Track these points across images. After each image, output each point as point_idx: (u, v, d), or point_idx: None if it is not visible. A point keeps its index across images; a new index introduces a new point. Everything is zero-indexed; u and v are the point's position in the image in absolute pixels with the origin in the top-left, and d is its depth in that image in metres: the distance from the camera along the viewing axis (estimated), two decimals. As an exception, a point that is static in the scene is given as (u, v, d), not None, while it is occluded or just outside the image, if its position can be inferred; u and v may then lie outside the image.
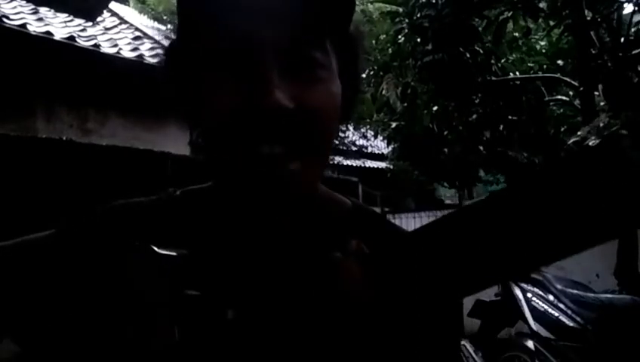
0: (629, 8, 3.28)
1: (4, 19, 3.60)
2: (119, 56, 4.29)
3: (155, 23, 8.11)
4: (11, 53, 3.67)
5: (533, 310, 2.94)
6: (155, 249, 0.41)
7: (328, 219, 0.54)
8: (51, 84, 3.97)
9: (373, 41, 4.35)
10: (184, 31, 0.50)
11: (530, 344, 2.88)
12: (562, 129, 4.34)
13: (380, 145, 8.54)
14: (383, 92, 4.14)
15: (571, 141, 2.78)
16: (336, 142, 7.87)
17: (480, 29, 3.52)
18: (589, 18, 3.10)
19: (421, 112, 4.27)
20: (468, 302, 3.77)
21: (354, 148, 8.44)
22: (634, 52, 2.98)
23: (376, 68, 4.24)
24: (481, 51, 3.60)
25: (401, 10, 3.70)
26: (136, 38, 5.26)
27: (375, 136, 7.58)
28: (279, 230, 0.51)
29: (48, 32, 3.85)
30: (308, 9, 0.43)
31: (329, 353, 0.45)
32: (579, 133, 2.76)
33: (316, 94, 0.45)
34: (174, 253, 0.42)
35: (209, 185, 0.56)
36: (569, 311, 2.84)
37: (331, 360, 0.45)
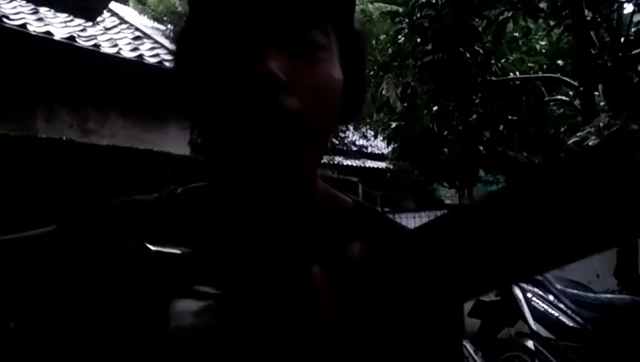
0: (629, 8, 3.29)
1: (4, 19, 3.60)
2: (119, 56, 4.29)
3: (155, 23, 8.10)
4: (11, 53, 3.67)
5: (533, 310, 2.94)
6: (151, 246, 0.41)
7: (328, 217, 0.54)
8: (51, 84, 3.97)
9: (373, 41, 4.35)
10: (192, 15, 0.50)
11: (530, 344, 2.88)
12: (562, 129, 4.34)
13: (380, 145, 8.53)
14: (383, 92, 4.14)
15: (571, 141, 2.78)
16: (336, 141, 7.87)
17: (480, 29, 3.52)
18: (589, 18, 3.10)
19: (421, 112, 4.27)
20: (468, 302, 3.77)
21: (354, 148, 8.43)
22: (634, 52, 2.98)
23: (376, 68, 4.24)
24: (481, 51, 3.60)
25: (401, 10, 3.70)
26: (136, 38, 5.26)
27: (375, 136, 7.57)
28: (279, 227, 0.51)
29: (48, 32, 3.85)
30: None
31: (328, 352, 0.45)
32: (579, 133, 2.76)
33: (314, 73, 0.45)
34: (174, 251, 0.42)
35: (210, 183, 0.56)
36: (569, 311, 2.84)
37: (329, 356, 0.45)
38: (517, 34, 3.94)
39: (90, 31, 4.61)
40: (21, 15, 3.96)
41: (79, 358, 0.47)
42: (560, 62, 4.11)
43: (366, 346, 0.45)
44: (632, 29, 3.12)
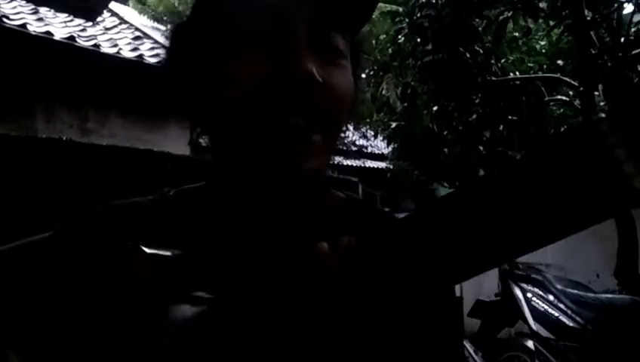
0: (629, 8, 3.29)
1: (4, 19, 3.60)
2: (119, 56, 4.29)
3: (155, 23, 8.10)
4: (11, 53, 3.67)
5: (533, 310, 2.94)
6: (146, 249, 0.41)
7: (325, 215, 0.55)
8: (51, 84, 3.97)
9: (373, 41, 4.35)
10: (204, 12, 0.50)
11: (530, 344, 2.88)
12: (562, 129, 4.33)
13: (380, 145, 8.53)
14: (383, 92, 4.14)
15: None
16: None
17: (480, 29, 3.52)
18: (589, 18, 3.10)
19: (421, 112, 4.27)
20: (468, 302, 3.77)
21: (354, 148, 8.43)
22: (634, 52, 2.98)
23: (376, 68, 4.24)
24: (481, 51, 3.60)
25: (401, 10, 3.70)
26: (136, 38, 5.25)
27: (375, 136, 7.57)
28: (277, 226, 0.51)
29: (48, 32, 3.85)
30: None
31: (327, 349, 0.45)
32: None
33: (339, 78, 0.47)
34: (168, 253, 0.42)
35: (203, 184, 0.56)
36: (569, 311, 2.84)
37: (329, 356, 0.45)
38: (517, 34, 3.94)
39: (90, 31, 4.61)
40: (21, 15, 3.96)
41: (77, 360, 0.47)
42: (560, 62, 4.10)
43: (366, 339, 0.45)
44: (632, 29, 3.12)
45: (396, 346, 0.47)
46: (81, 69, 4.02)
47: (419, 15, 3.48)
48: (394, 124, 4.60)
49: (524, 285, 3.04)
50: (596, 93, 3.27)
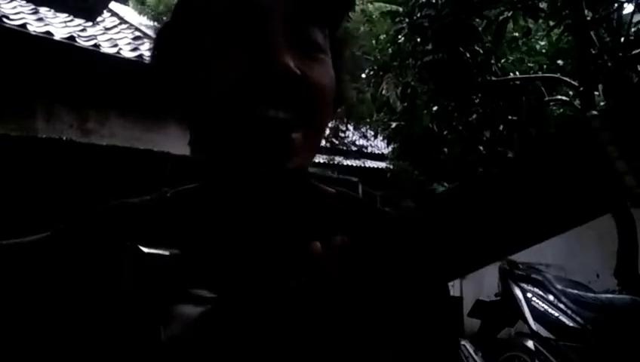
0: (629, 8, 3.28)
1: (4, 19, 3.60)
2: (119, 56, 4.28)
3: (155, 23, 8.10)
4: (11, 53, 3.67)
5: (533, 310, 2.94)
6: (144, 249, 0.41)
7: (313, 208, 0.55)
8: (51, 84, 3.97)
9: (373, 41, 4.35)
10: (184, 11, 0.51)
11: (530, 344, 2.88)
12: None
13: (380, 145, 8.53)
14: (383, 92, 4.14)
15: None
16: (336, 141, 7.87)
17: (480, 29, 3.51)
18: (589, 18, 3.10)
19: (421, 112, 4.26)
20: (468, 302, 3.77)
21: (354, 148, 8.43)
22: (634, 52, 2.97)
23: (376, 68, 4.24)
24: (481, 51, 3.59)
25: (401, 10, 3.70)
26: (136, 38, 5.26)
27: (375, 136, 7.58)
28: (271, 222, 0.51)
29: (48, 32, 3.85)
30: None
31: (323, 345, 0.45)
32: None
33: (317, 72, 0.47)
34: (166, 253, 0.43)
35: (200, 184, 0.56)
36: (569, 311, 2.84)
37: (325, 353, 0.45)
38: (517, 34, 3.93)
39: (90, 31, 4.61)
40: (21, 15, 3.96)
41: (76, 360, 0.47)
42: (560, 62, 4.10)
43: (364, 335, 0.45)
44: (632, 29, 3.12)
45: (393, 341, 0.47)
46: (81, 69, 4.02)
47: (419, 15, 3.48)
48: (394, 124, 4.60)
49: (524, 285, 3.04)
50: (596, 93, 3.26)
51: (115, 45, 4.46)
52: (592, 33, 3.13)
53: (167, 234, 0.49)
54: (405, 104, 4.05)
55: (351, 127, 8.20)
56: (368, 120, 6.46)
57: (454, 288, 5.86)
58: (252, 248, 0.50)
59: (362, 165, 8.43)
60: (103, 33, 4.89)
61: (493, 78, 3.70)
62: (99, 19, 5.57)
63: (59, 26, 4.25)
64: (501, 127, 4.04)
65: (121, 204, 0.55)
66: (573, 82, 3.48)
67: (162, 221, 0.52)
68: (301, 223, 0.53)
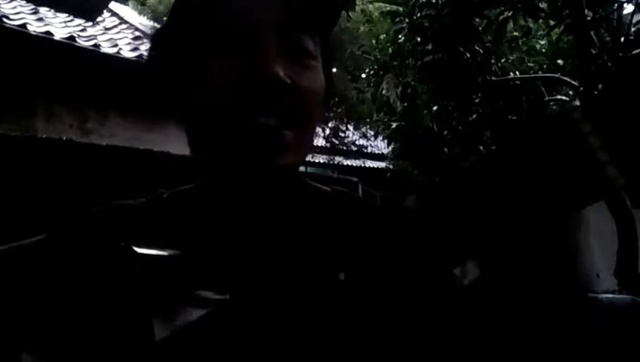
0: (629, 8, 3.28)
1: (4, 19, 3.60)
2: (119, 56, 4.28)
3: (155, 23, 8.10)
4: (11, 53, 3.67)
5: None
6: (139, 250, 0.41)
7: (311, 207, 0.55)
8: (51, 83, 3.97)
9: (374, 41, 4.35)
10: (181, 14, 0.51)
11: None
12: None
13: (380, 145, 8.53)
14: (383, 92, 4.14)
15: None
16: (336, 141, 7.87)
17: (480, 28, 3.51)
18: (589, 18, 3.10)
19: (421, 112, 4.26)
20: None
21: (354, 148, 8.43)
22: (634, 52, 2.97)
23: (376, 68, 4.24)
24: (481, 51, 3.59)
25: (401, 9, 3.70)
26: (136, 38, 5.25)
27: (375, 136, 7.57)
28: (266, 219, 0.51)
29: (48, 32, 3.84)
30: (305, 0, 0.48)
31: (326, 345, 0.45)
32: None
33: (307, 78, 0.48)
34: (162, 254, 0.43)
35: (196, 185, 0.56)
36: (569, 311, 2.83)
37: (331, 352, 0.45)
38: (517, 34, 3.93)
39: (90, 31, 4.61)
40: (21, 15, 3.96)
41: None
42: (560, 62, 4.10)
43: (368, 336, 0.45)
44: (632, 29, 3.12)
45: (397, 342, 0.47)
46: (81, 68, 4.02)
47: (419, 15, 3.48)
48: (394, 124, 4.60)
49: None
50: (596, 93, 3.26)
51: (115, 45, 4.46)
52: (592, 33, 3.13)
53: (163, 236, 0.49)
54: (405, 104, 4.05)
55: (351, 127, 8.20)
56: (368, 120, 6.46)
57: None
58: (250, 248, 0.50)
59: (362, 165, 8.43)
60: (103, 33, 4.89)
61: (493, 78, 3.70)
62: (99, 19, 5.57)
63: (59, 26, 4.25)
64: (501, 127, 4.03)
65: (117, 205, 0.55)
66: (573, 82, 3.48)
67: (159, 222, 0.52)
68: (298, 223, 0.53)
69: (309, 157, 7.05)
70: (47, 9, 4.55)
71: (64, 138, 3.87)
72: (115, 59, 4.22)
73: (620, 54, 3.01)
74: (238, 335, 0.45)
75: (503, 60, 3.88)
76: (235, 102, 0.46)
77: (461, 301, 0.48)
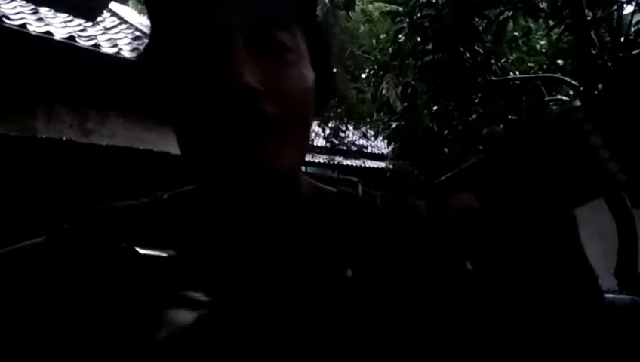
0: (629, 8, 3.28)
1: (4, 19, 3.60)
2: (119, 56, 4.28)
3: (155, 23, 8.08)
4: (11, 53, 3.67)
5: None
6: (140, 250, 0.41)
7: (316, 209, 0.55)
8: (51, 83, 3.97)
9: (374, 41, 4.35)
10: (155, 27, 0.50)
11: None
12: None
13: (380, 145, 8.53)
14: (383, 92, 4.14)
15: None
16: (336, 141, 7.87)
17: (480, 28, 3.52)
18: (589, 18, 3.10)
19: (421, 112, 4.27)
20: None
21: (354, 148, 8.43)
22: (634, 52, 2.97)
23: (376, 68, 4.25)
24: (481, 51, 3.60)
25: (401, 9, 3.70)
26: (136, 38, 5.25)
27: (375, 136, 7.58)
28: (268, 224, 0.51)
29: (48, 32, 3.84)
30: None
31: (330, 345, 0.45)
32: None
33: (285, 76, 0.46)
34: (162, 254, 0.42)
35: (196, 186, 0.56)
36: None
37: (335, 352, 0.45)
38: (517, 34, 3.94)
39: (90, 31, 4.61)
40: (21, 15, 3.96)
41: None
42: (560, 62, 4.10)
43: (367, 339, 0.45)
44: (632, 29, 3.12)
45: (401, 338, 0.47)
46: (81, 69, 4.02)
47: (419, 15, 3.48)
48: (394, 124, 4.60)
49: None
50: (596, 93, 3.26)
51: (115, 45, 4.46)
52: (592, 33, 3.13)
53: (163, 237, 0.49)
54: (405, 104, 4.05)
55: (351, 127, 8.20)
56: (368, 120, 6.47)
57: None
58: (250, 249, 0.50)
59: (362, 165, 8.43)
60: (103, 33, 4.89)
61: (493, 78, 3.70)
62: (99, 19, 5.57)
63: (59, 26, 4.25)
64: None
65: (117, 206, 0.55)
66: (573, 82, 3.48)
67: (158, 223, 0.52)
68: (302, 223, 0.53)
69: (308, 157, 7.06)
70: (47, 9, 4.55)
71: (64, 138, 3.87)
72: (115, 59, 4.22)
73: (620, 54, 3.01)
74: (240, 336, 0.45)
75: (503, 60, 3.88)
76: (209, 113, 0.44)
77: (463, 301, 0.47)
